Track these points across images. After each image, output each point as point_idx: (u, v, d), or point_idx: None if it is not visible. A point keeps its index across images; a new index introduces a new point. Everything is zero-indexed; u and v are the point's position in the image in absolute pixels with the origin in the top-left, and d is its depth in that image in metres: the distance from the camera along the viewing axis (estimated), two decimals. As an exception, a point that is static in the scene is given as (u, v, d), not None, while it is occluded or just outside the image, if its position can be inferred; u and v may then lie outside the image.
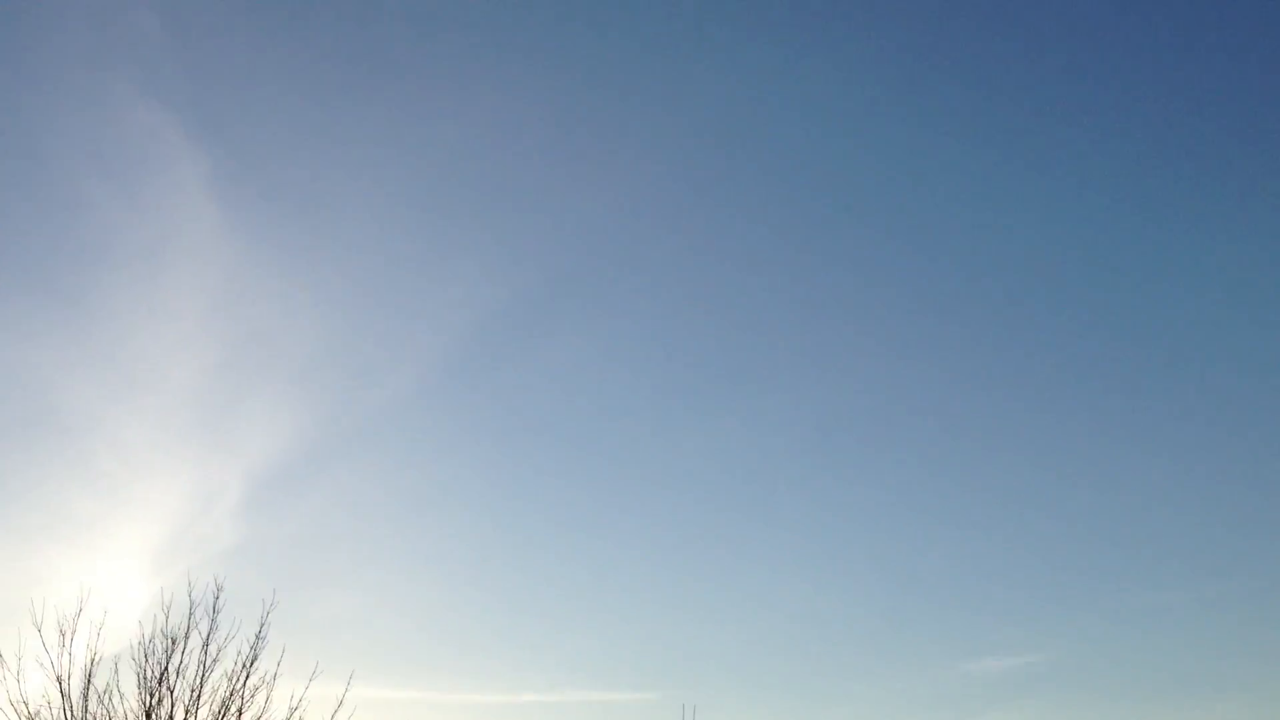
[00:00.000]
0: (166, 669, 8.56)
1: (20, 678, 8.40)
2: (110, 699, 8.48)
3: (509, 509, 20.22)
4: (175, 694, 8.59)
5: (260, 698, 8.74)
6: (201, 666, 8.66)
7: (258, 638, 8.86)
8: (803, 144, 21.11)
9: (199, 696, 8.65)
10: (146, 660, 8.59)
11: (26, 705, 8.40)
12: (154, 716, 8.57)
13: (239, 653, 8.76)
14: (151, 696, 8.54)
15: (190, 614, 8.75)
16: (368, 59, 18.77)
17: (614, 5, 19.72)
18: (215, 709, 8.68)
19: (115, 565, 14.38)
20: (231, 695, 8.68)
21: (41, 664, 8.47)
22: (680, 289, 21.43)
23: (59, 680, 8.47)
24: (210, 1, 17.73)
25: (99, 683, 8.50)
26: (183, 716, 8.62)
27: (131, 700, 8.53)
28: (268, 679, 8.75)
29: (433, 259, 20.27)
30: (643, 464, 20.52)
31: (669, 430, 20.83)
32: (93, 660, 8.53)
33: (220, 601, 8.85)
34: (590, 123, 20.03)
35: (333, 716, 8.86)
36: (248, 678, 8.72)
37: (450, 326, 20.06)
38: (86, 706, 8.47)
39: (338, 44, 18.69)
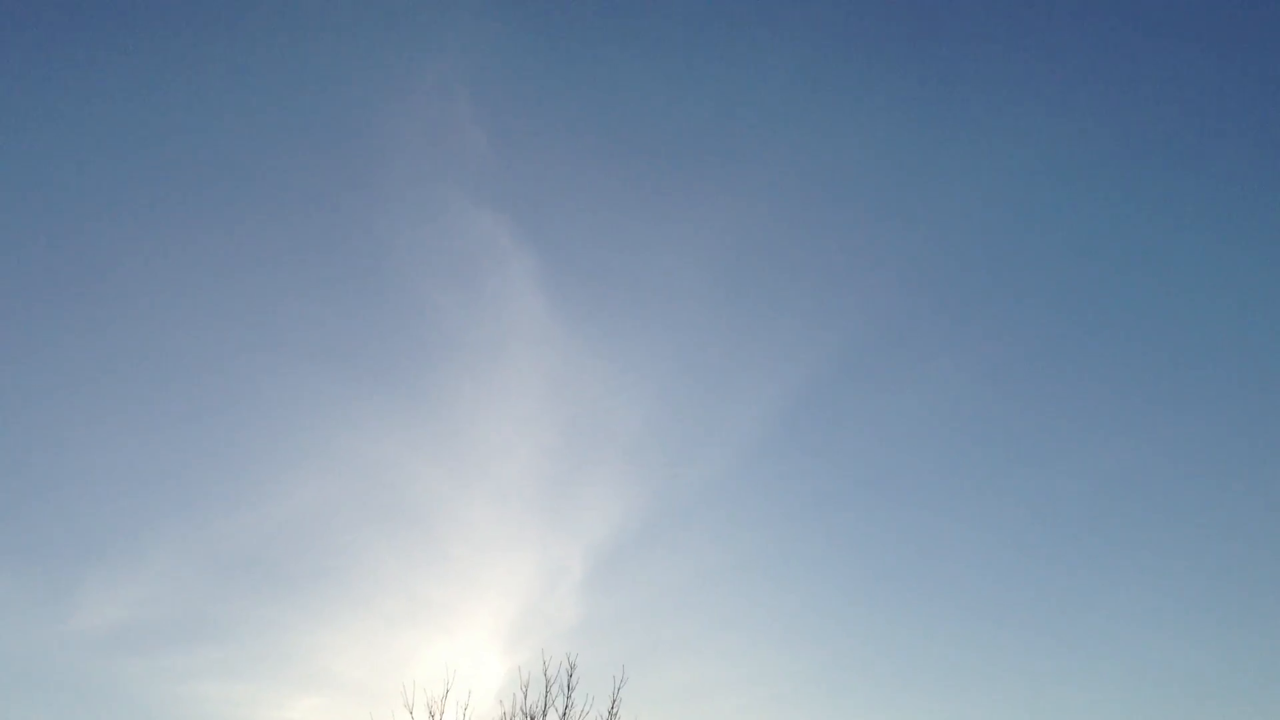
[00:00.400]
0: (527, 745, 9.02)
1: (399, 757, 9.04)
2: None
3: (848, 569, 19.96)
4: (537, 770, 8.99)
5: (617, 772, 9.08)
6: (559, 742, 9.09)
7: (611, 713, 9.11)
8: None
9: (561, 771, 9.02)
10: (508, 738, 9.08)
11: (404, 782, 9.02)
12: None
13: (594, 727, 9.16)
14: (515, 772, 8.97)
15: (546, 691, 9.09)
16: (658, 141, 19.44)
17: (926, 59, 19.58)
18: (574, 784, 8.99)
19: (471, 645, 15.13)
20: (591, 770, 9.04)
21: (415, 744, 9.10)
22: (1003, 338, 20.72)
23: (433, 758, 9.09)
24: (528, 115, 18.86)
25: (467, 760, 9.01)
26: (544, 792, 8.94)
27: (497, 775, 8.99)
28: (623, 753, 9.11)
29: (747, 329, 20.55)
30: (976, 515, 19.81)
31: (999, 480, 20.06)
32: (462, 739, 9.09)
33: (574, 679, 9.15)
34: (886, 182, 19.88)
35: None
36: (604, 752, 9.09)
37: (770, 393, 20.20)
38: (457, 782, 8.97)
39: (633, 129, 19.47)
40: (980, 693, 18.30)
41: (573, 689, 8.99)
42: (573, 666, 9.00)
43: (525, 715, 8.93)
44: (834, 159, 20.18)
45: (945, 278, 20.71)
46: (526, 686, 8.97)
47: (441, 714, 8.87)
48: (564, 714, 8.97)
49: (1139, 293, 20.24)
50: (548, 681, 8.94)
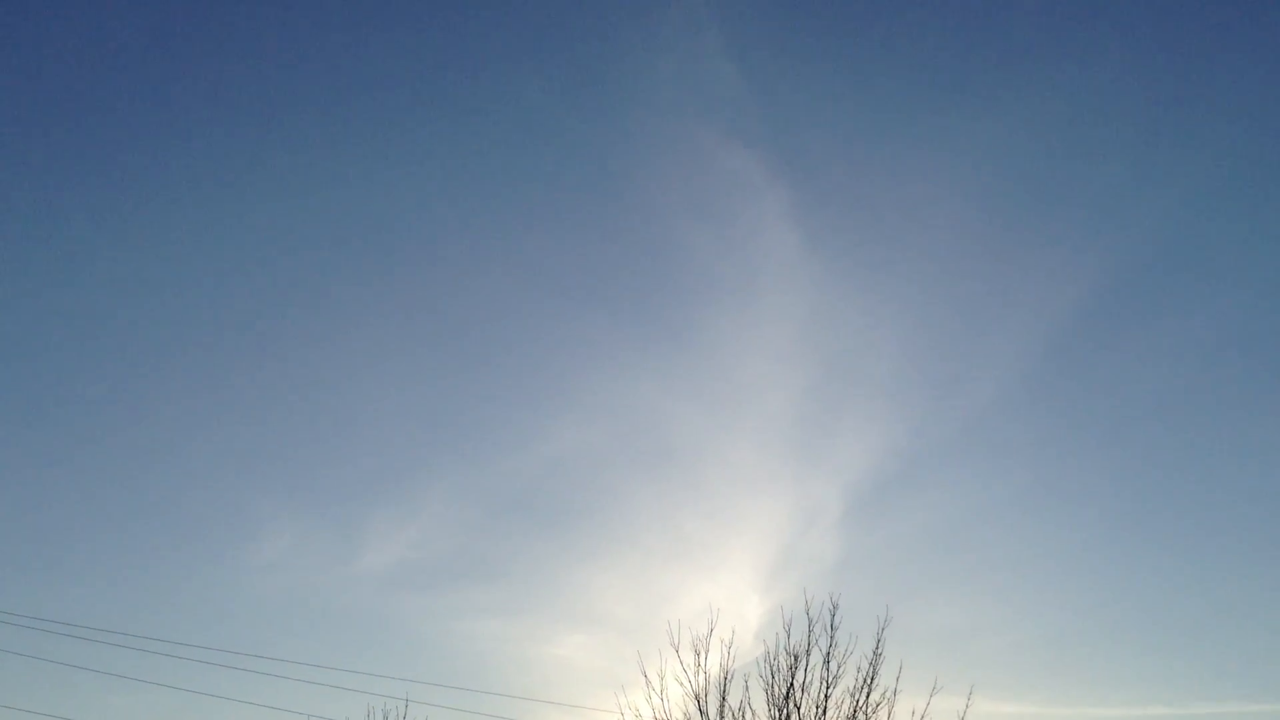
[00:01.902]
0: (792, 685, 8.80)
1: (664, 695, 9.03)
2: (743, 715, 8.88)
3: (1120, 506, 19.06)
4: (802, 711, 8.84)
5: (882, 714, 8.81)
6: (824, 683, 8.83)
7: (875, 654, 8.90)
8: None
9: (824, 712, 8.83)
10: (774, 677, 8.87)
11: (670, 720, 9.16)
12: (783, 732, 8.90)
13: (858, 669, 8.84)
14: (780, 712, 8.84)
15: (809, 631, 8.97)
16: (915, 69, 18.77)
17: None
18: (840, 725, 8.93)
19: (731, 583, 15.28)
20: (855, 712, 8.78)
21: (680, 682, 9.02)
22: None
23: (696, 698, 8.97)
24: (778, 47, 18.59)
25: (732, 700, 8.92)
26: (810, 732, 8.91)
27: (761, 716, 8.88)
28: (888, 695, 8.79)
29: (1008, 257, 19.73)
30: (1269, 452, 18.48)
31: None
32: (726, 678, 8.96)
33: (837, 619, 9.01)
34: (1177, 87, 18.61)
35: (955, 733, 8.86)
36: (869, 694, 8.78)
37: (1033, 323, 19.37)
38: (722, 721, 9.07)
39: (887, 57, 18.87)
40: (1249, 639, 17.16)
41: (836, 628, 8.89)
42: (835, 606, 8.87)
43: (789, 654, 8.88)
44: (1099, 80, 19.06)
45: (1228, 199, 19.34)
46: (789, 626, 8.91)
47: (706, 652, 8.95)
48: (827, 654, 8.86)
49: None
50: (810, 621, 8.85)
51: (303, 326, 19.28)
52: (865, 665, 8.84)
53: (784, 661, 8.93)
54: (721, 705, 8.97)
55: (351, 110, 19.36)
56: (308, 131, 19.41)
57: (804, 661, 8.88)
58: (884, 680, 8.81)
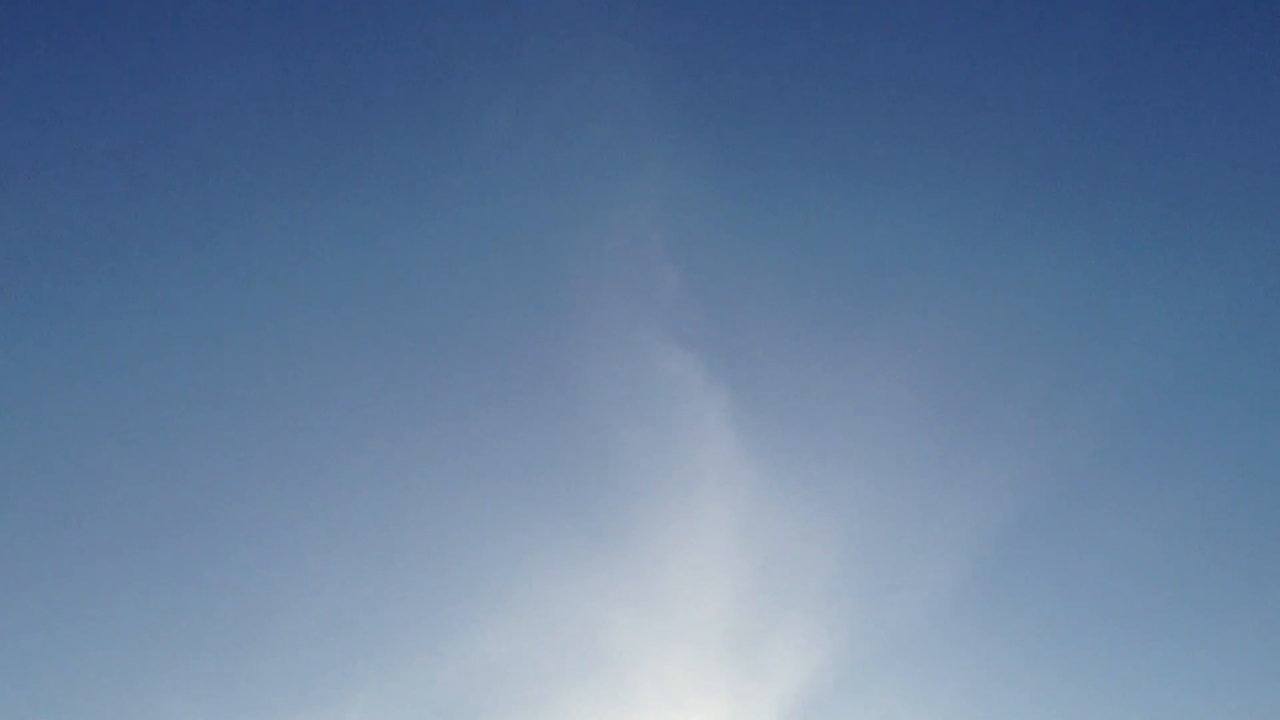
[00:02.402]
0: None
1: None
2: None
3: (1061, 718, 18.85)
4: None
5: None
6: None
7: None
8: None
9: None
10: None
11: None
12: None
13: None
14: None
15: None
16: (854, 274, 19.07)
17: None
18: None
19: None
20: None
21: None
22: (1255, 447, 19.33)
23: None
24: (721, 254, 18.82)
25: None
26: None
27: None
28: None
29: (950, 464, 19.75)
30: (1229, 657, 18.41)
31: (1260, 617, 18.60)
32: None
33: None
34: (1121, 279, 18.96)
35: None
36: None
37: (974, 533, 19.33)
38: None
39: (826, 260, 19.18)
40: None
41: None
42: None
43: None
44: (1042, 285, 19.41)
45: (1178, 400, 19.60)
46: None
47: None
48: None
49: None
50: None
51: (213, 514, 18.85)
52: None
53: None
54: None
55: (289, 299, 19.29)
56: (225, 324, 19.27)
57: None
58: None
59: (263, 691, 17.34)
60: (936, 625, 19.52)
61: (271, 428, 18.37)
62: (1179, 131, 19.18)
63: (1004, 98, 19.16)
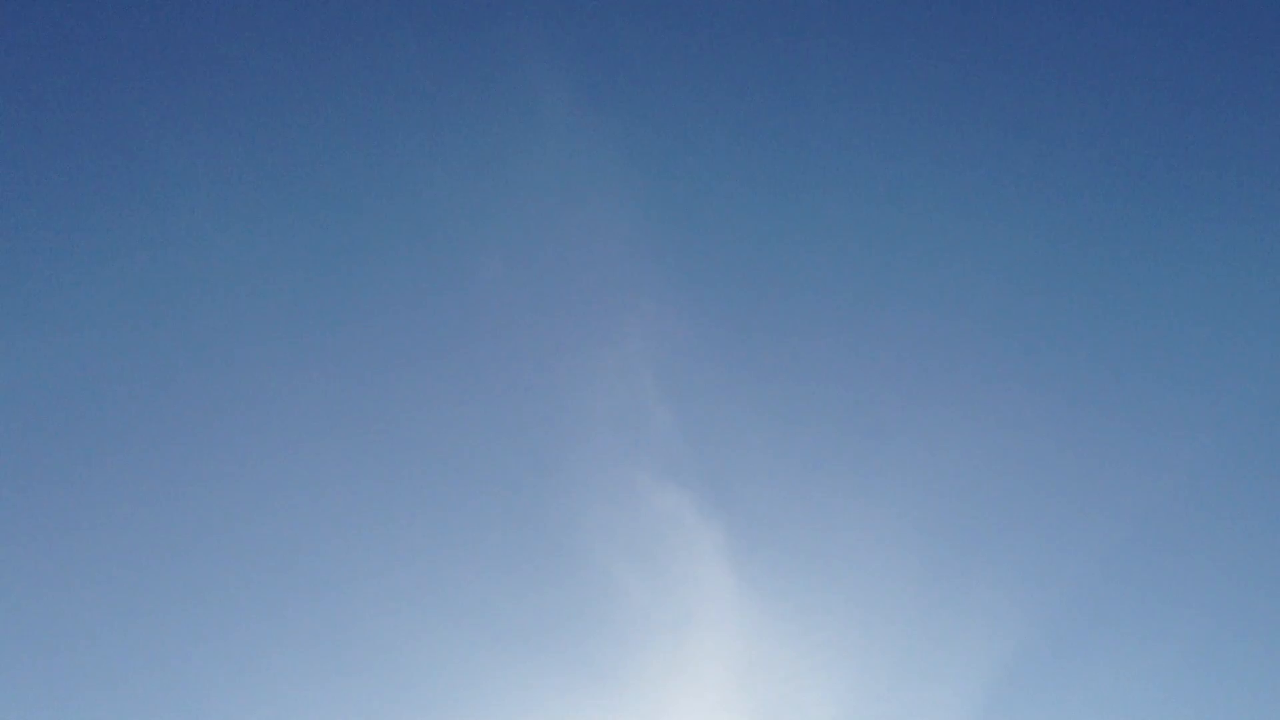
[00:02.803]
0: None
1: None
2: None
3: None
4: None
5: None
6: None
7: None
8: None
9: None
10: None
11: None
12: None
13: None
14: None
15: None
16: (848, 410, 19.11)
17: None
18: None
19: None
20: None
21: None
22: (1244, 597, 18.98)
23: None
24: (714, 392, 18.95)
25: None
26: None
27: None
28: None
29: (954, 602, 19.48)
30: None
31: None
32: None
33: None
34: (1108, 429, 18.89)
35: None
36: None
37: (975, 669, 18.95)
38: None
39: (820, 399, 19.26)
40: None
41: None
42: None
43: None
44: (1036, 420, 19.41)
45: (1170, 538, 19.36)
46: None
47: None
48: None
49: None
50: None
51: (188, 671, 18.62)
52: None
53: None
54: None
55: (273, 450, 19.41)
56: (195, 469, 19.32)
57: None
58: None
59: None
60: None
61: (254, 565, 18.31)
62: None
63: (1005, 208, 19.50)
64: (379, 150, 19.55)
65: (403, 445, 19.05)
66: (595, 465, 18.96)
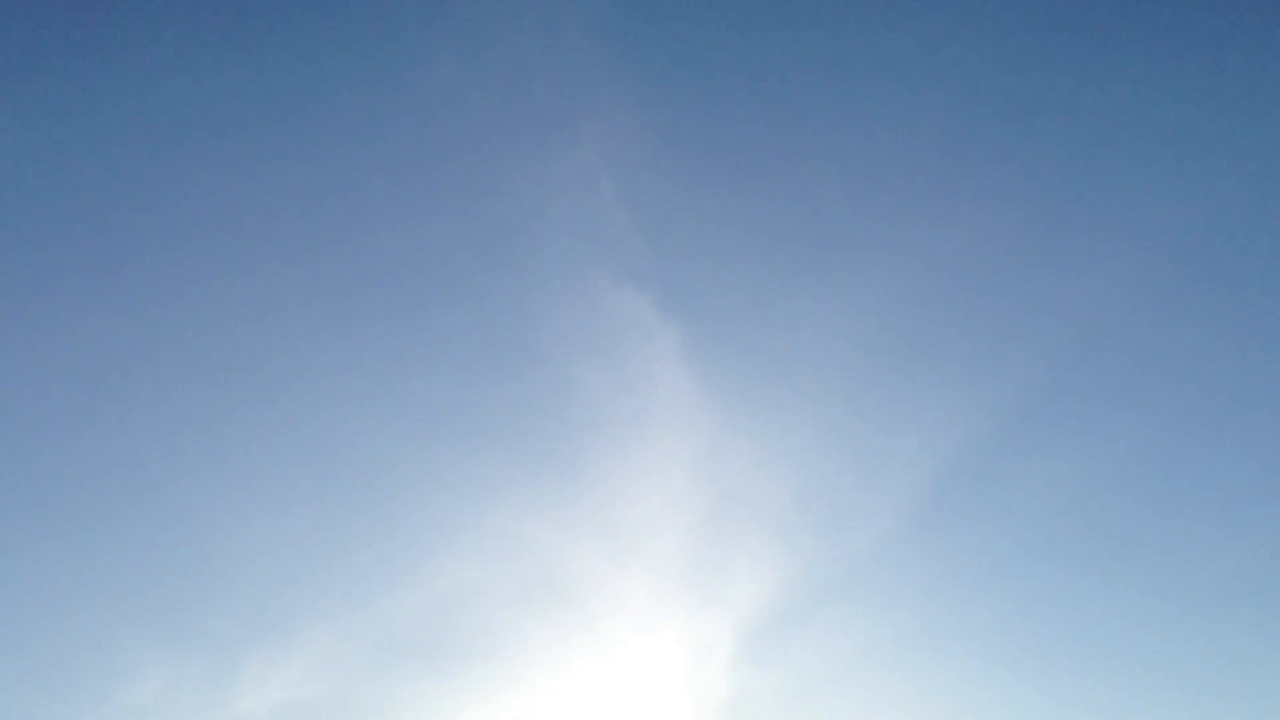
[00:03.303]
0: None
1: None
2: None
3: (1012, 647, 19.32)
4: None
5: None
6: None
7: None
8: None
9: None
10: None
11: None
12: None
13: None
14: None
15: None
16: (807, 213, 19.43)
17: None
18: None
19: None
20: None
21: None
22: (1174, 392, 19.84)
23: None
24: (670, 193, 19.13)
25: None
26: None
27: None
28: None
29: (900, 396, 20.17)
30: (1147, 598, 18.93)
31: (1177, 548, 19.12)
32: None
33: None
34: (1057, 229, 19.37)
35: None
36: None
37: (924, 462, 19.77)
38: None
39: (779, 201, 19.52)
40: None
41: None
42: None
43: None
44: (995, 221, 19.84)
45: (1121, 336, 20.08)
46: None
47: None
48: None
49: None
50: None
51: (173, 454, 19.00)
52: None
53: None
54: None
55: (224, 245, 19.48)
56: (168, 266, 19.34)
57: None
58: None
59: (225, 623, 17.64)
60: (887, 553, 19.95)
61: (234, 364, 18.65)
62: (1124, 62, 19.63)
63: (948, 32, 19.55)
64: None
65: (365, 248, 19.22)
66: (555, 265, 19.23)
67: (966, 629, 19.48)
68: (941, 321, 20.16)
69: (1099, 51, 19.39)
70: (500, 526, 18.83)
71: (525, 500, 19.22)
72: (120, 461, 18.18)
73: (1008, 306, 20.00)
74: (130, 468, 18.35)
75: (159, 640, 17.31)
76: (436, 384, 19.59)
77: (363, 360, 19.23)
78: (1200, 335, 20.16)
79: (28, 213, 18.07)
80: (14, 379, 17.36)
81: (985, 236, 20.10)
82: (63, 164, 17.65)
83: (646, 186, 19.64)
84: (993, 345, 20.23)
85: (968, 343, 20.20)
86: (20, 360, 17.56)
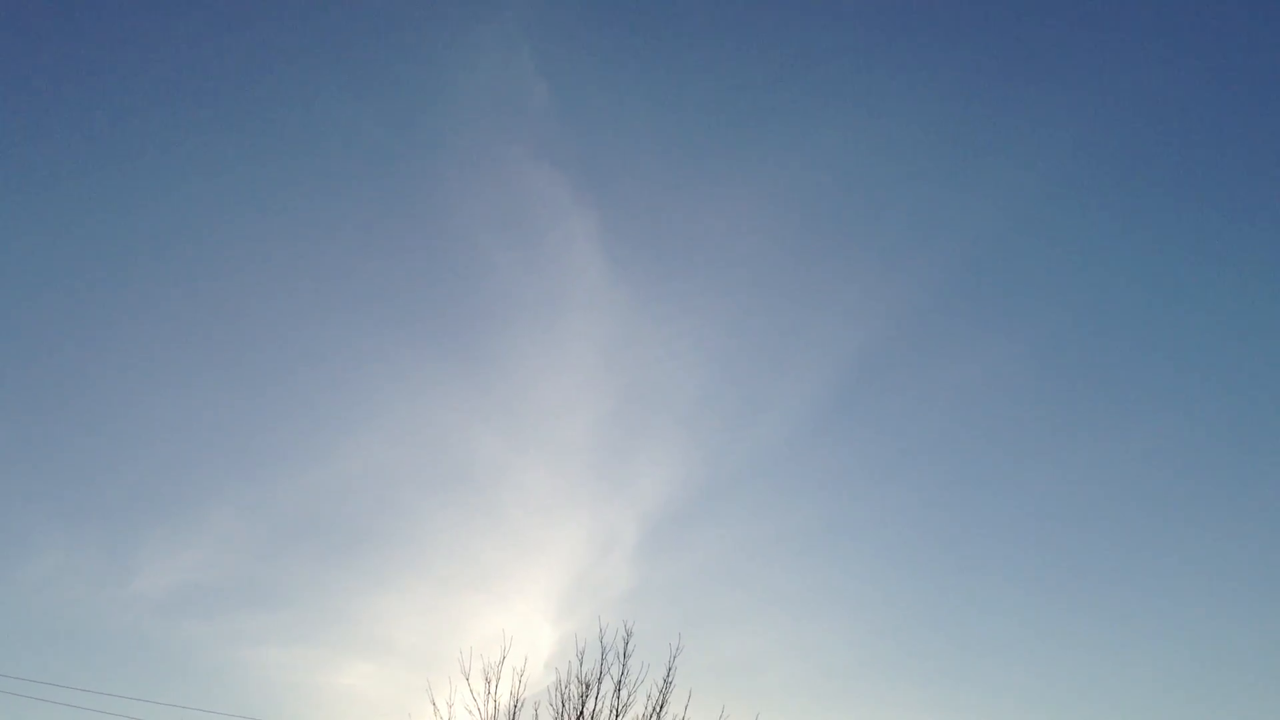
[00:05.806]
0: (582, 713, 8.86)
1: (452, 723, 8.99)
2: (532, 743, 8.90)
3: (896, 542, 19.73)
4: (591, 738, 8.92)
5: (671, 742, 8.96)
6: (615, 711, 8.91)
7: (666, 682, 8.96)
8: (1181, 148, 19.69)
9: (613, 740, 8.93)
10: (564, 705, 8.91)
11: (458, 750, 8.94)
12: (573, 760, 8.82)
13: (648, 696, 8.96)
14: (569, 740, 8.89)
15: (602, 659, 8.98)
16: (724, 103, 19.17)
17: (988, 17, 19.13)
18: (629, 753, 8.91)
19: (525, 611, 15.13)
20: (644, 740, 8.93)
21: (470, 711, 8.96)
22: (1069, 299, 20.24)
23: (486, 725, 9.01)
24: (590, 71, 18.65)
25: (521, 727, 8.94)
26: (599, 760, 8.85)
27: (551, 744, 8.90)
28: (678, 722, 9.01)
29: (806, 297, 20.28)
30: (1036, 484, 19.45)
31: (1063, 448, 19.67)
32: (516, 706, 8.95)
33: (630, 646, 9.04)
34: (960, 138, 19.46)
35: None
36: (658, 722, 8.99)
37: (825, 363, 19.96)
38: (511, 750, 8.90)
39: (698, 88, 19.21)
40: (1018, 666, 18.05)
41: (628, 656, 8.89)
42: (629, 634, 8.89)
43: (581, 682, 8.84)
44: (896, 129, 19.79)
45: (1007, 249, 20.35)
46: (583, 654, 8.87)
47: (498, 680, 8.83)
48: (619, 682, 8.85)
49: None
50: (603, 649, 8.84)
51: (77, 325, 18.13)
52: (656, 693, 8.96)
53: (575, 689, 8.96)
54: (511, 733, 8.95)
55: (141, 114, 18.45)
56: (98, 136, 18.35)
57: (595, 689, 8.95)
58: (673, 708, 8.93)
59: (124, 499, 16.98)
60: (793, 445, 20.19)
61: (135, 234, 17.75)
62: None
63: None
64: None
65: (266, 117, 18.32)
66: (470, 137, 18.64)
67: (859, 526, 19.83)
68: (856, 217, 20.17)
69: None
70: (410, 410, 18.43)
71: (435, 383, 18.82)
72: (16, 329, 17.24)
73: (920, 205, 20.09)
74: (27, 336, 17.41)
75: (55, 514, 16.58)
76: (341, 256, 18.95)
77: (265, 228, 18.47)
78: (1101, 239, 20.62)
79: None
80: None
81: (909, 130, 20.04)
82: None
83: (569, 59, 19.06)
84: (903, 244, 20.36)
85: (880, 240, 20.29)
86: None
